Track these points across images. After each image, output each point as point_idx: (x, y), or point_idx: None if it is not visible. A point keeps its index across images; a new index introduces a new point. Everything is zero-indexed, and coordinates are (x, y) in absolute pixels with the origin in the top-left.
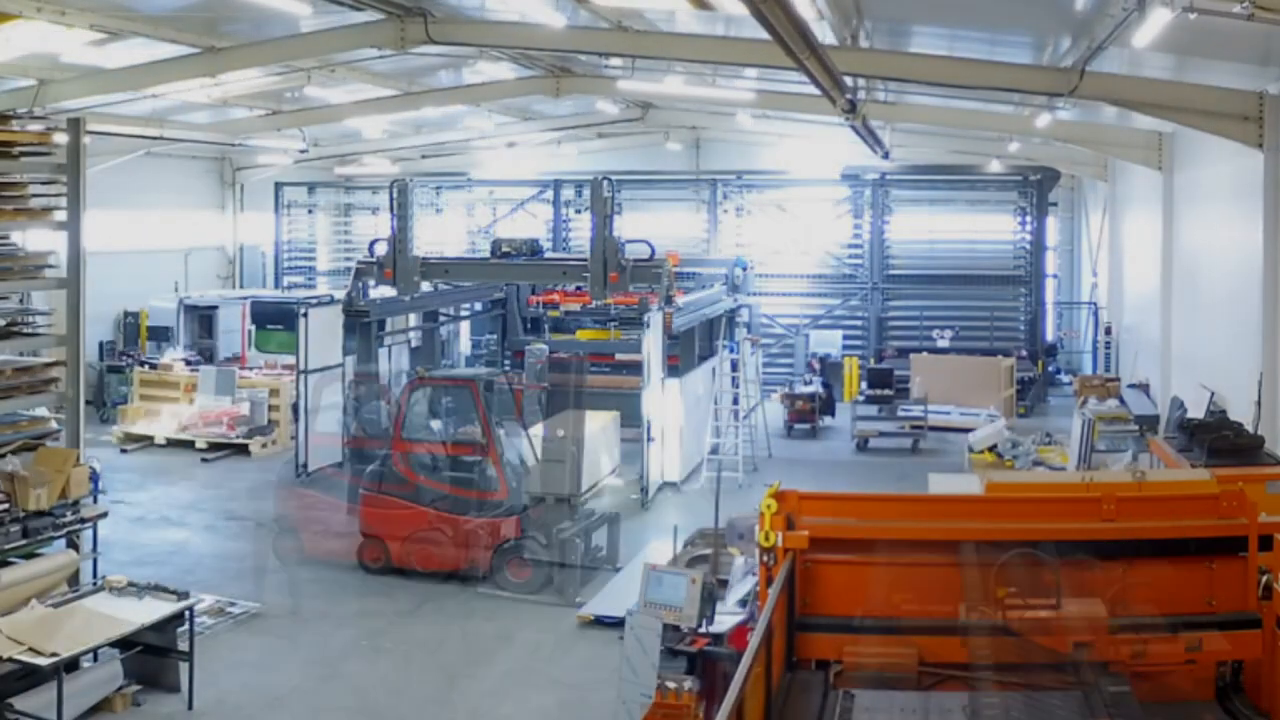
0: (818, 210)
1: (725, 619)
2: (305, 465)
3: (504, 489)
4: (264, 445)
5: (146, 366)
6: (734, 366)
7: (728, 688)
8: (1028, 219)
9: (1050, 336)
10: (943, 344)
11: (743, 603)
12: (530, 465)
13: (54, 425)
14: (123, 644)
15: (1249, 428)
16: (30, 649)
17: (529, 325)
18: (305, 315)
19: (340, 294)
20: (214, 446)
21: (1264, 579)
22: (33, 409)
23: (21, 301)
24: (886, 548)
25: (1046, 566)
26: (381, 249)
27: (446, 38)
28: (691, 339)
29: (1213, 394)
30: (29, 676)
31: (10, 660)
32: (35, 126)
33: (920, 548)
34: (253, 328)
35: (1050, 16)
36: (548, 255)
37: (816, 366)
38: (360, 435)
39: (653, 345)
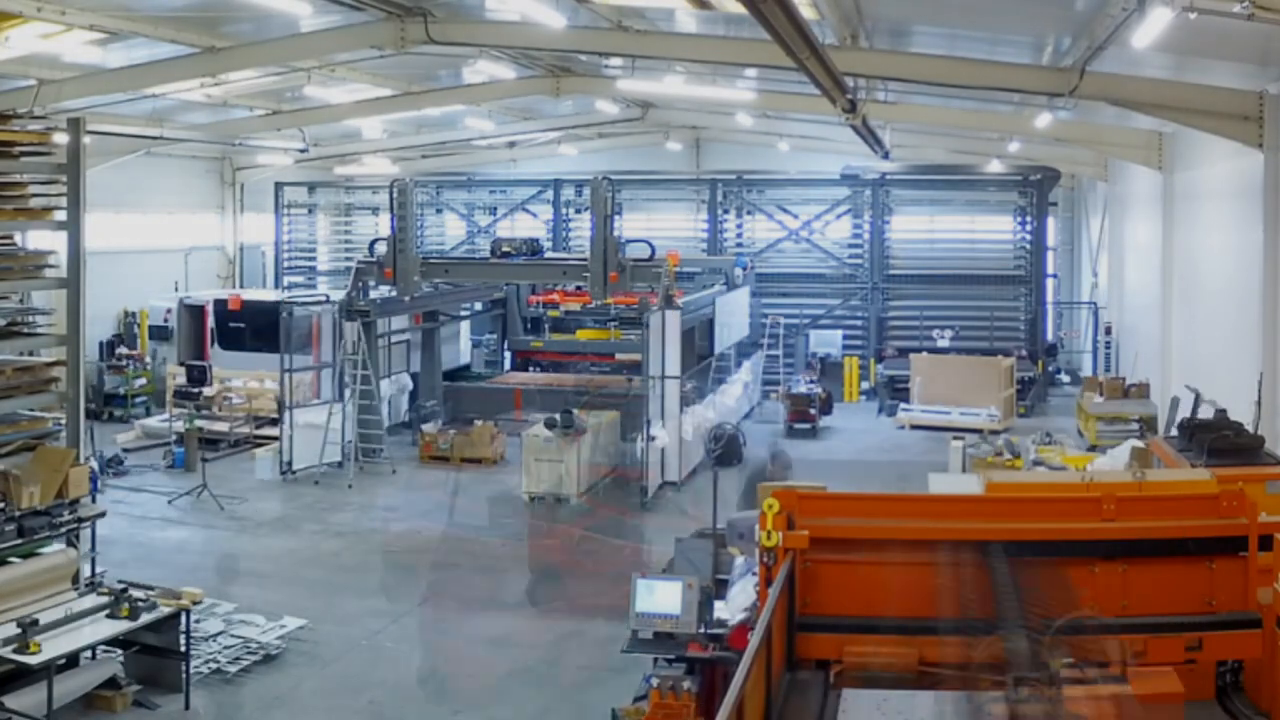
0: (817, 210)
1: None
2: (289, 464)
3: None
4: (263, 445)
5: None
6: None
7: (727, 688)
8: (1028, 219)
9: (1050, 336)
10: (943, 344)
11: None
12: None
13: (53, 425)
14: (123, 644)
15: (1249, 428)
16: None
17: (529, 325)
18: (290, 315)
19: (335, 294)
20: (213, 444)
21: None
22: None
23: (22, 301)
24: (887, 548)
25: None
26: (381, 249)
27: (446, 38)
28: (692, 339)
29: (1198, 394)
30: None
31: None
32: (35, 126)
33: (921, 547)
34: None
35: (1050, 16)
36: (548, 255)
37: (817, 366)
38: None
39: (653, 345)
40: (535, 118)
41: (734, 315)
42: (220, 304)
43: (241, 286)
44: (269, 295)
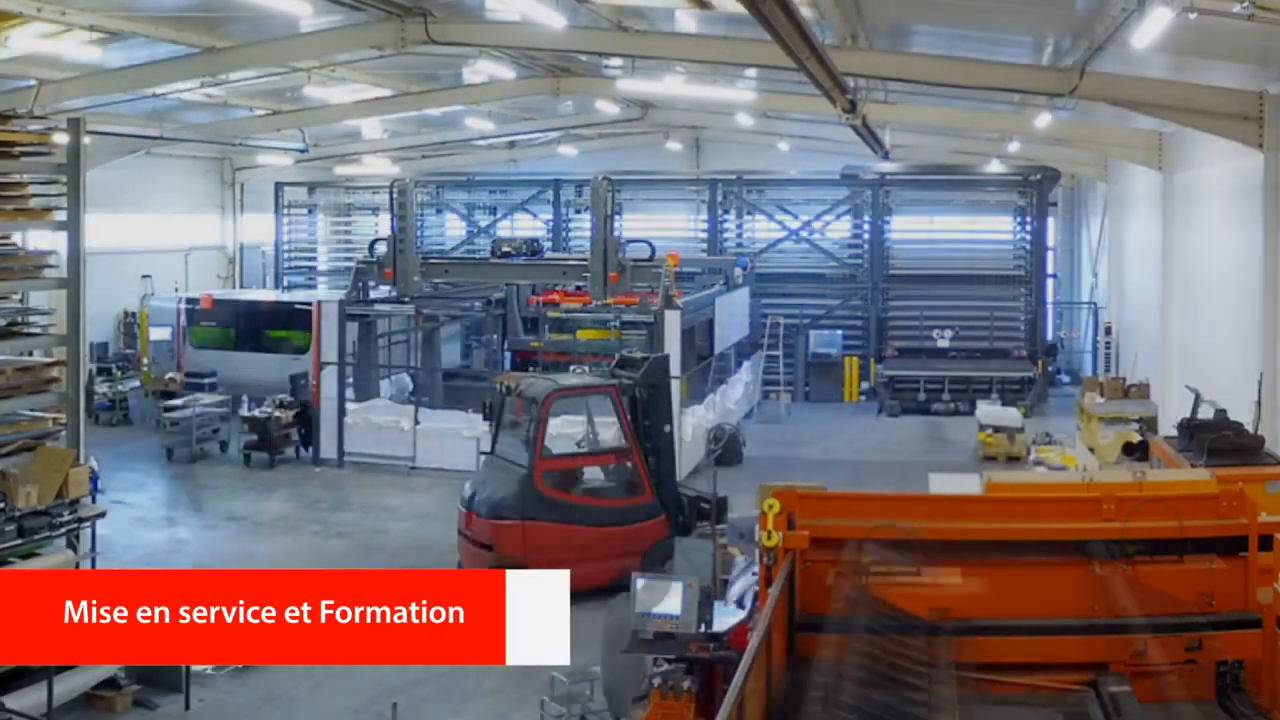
0: (817, 210)
1: (725, 619)
2: None
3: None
4: None
5: None
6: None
7: (728, 688)
8: (1028, 219)
9: (1050, 336)
10: (943, 344)
11: (740, 603)
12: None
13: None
14: None
15: (1249, 428)
16: None
17: (529, 325)
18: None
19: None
20: None
21: None
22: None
23: (22, 301)
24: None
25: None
26: (381, 249)
27: (446, 38)
28: (692, 339)
29: (1198, 394)
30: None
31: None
32: (35, 126)
33: (920, 547)
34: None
35: (1050, 16)
36: (548, 255)
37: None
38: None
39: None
40: (535, 118)
41: (734, 315)
42: (191, 303)
43: (242, 287)
44: (249, 295)
